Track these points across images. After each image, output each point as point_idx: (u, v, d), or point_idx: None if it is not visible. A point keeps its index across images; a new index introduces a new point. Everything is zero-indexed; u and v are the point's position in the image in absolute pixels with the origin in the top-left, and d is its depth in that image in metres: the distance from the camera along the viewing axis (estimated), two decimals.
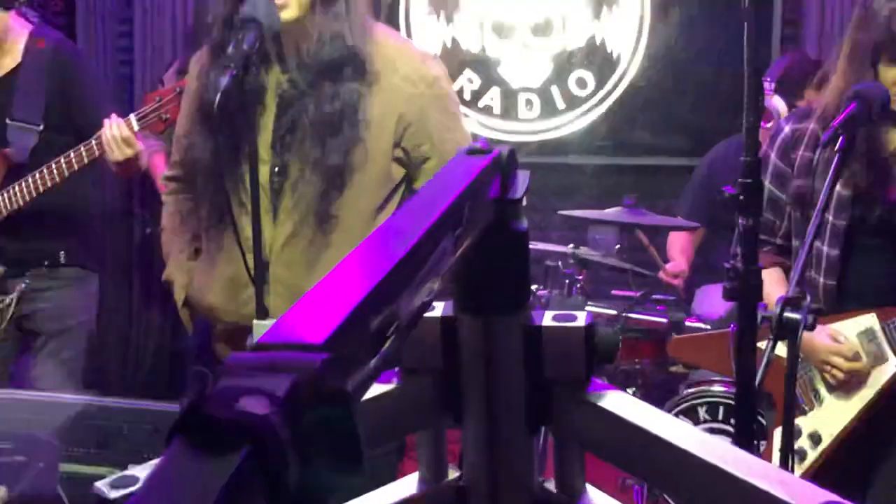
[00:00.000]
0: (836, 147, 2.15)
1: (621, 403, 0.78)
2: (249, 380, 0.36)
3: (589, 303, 3.54)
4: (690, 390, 3.68)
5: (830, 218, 2.51)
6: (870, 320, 2.50)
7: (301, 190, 2.30)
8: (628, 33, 4.96)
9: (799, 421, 2.54)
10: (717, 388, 3.65)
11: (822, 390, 2.53)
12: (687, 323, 3.53)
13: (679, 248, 4.39)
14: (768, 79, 4.35)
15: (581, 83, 5.02)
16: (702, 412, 3.63)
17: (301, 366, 0.37)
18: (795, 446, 2.43)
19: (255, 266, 2.23)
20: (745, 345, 1.90)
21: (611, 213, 3.56)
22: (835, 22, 4.75)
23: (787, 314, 1.95)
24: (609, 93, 5.00)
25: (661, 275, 4.23)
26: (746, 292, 1.91)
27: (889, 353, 2.46)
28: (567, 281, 3.50)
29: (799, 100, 4.24)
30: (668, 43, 4.94)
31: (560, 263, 3.62)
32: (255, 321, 2.22)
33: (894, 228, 2.48)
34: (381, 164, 2.35)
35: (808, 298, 2.02)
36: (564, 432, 0.80)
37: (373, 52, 2.31)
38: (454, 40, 5.07)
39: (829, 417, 2.51)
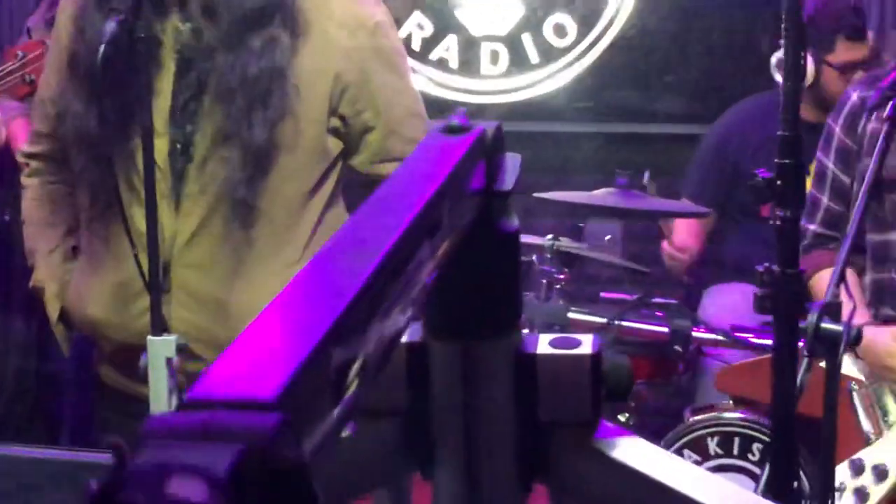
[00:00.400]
0: (886, 114, 2.17)
1: (638, 452, 0.77)
2: (180, 452, 0.34)
3: (572, 308, 3.53)
4: (698, 417, 3.70)
5: None
6: None
7: (210, 171, 2.28)
8: None
9: (863, 452, 2.56)
10: (729, 415, 3.67)
11: (893, 409, 2.55)
12: (695, 333, 3.54)
13: (687, 232, 4.41)
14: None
15: (559, 31, 5.02)
16: (712, 445, 3.64)
17: (248, 432, 0.35)
18: (857, 483, 2.45)
19: (151, 268, 2.20)
20: (784, 370, 1.91)
21: (599, 195, 3.56)
22: None
23: (826, 325, 1.96)
24: (594, 43, 5.01)
25: (665, 246, 4.24)
26: (785, 303, 1.90)
27: None
28: (544, 281, 3.50)
29: (829, 53, 4.28)
30: None
31: (535, 259, 3.62)
32: (150, 338, 2.19)
33: None
34: (313, 138, 2.34)
35: (853, 303, 2.03)
36: (565, 489, 0.79)
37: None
38: None
39: None
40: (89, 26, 2.24)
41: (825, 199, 2.72)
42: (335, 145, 2.40)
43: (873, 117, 2.60)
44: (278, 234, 2.36)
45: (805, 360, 1.98)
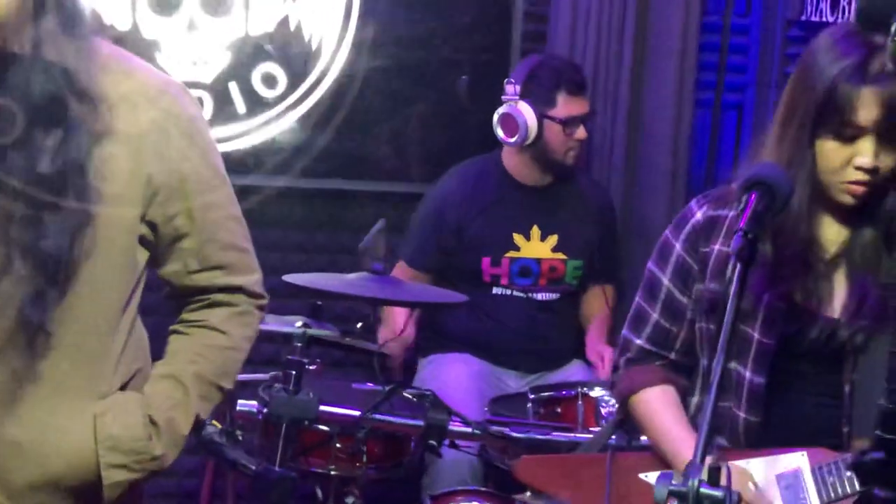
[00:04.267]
0: (732, 250, 2.16)
1: None
2: None
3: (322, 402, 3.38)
4: None
5: (756, 335, 2.53)
6: (797, 460, 2.54)
7: (5, 291, 2.02)
8: (332, 16, 4.83)
9: None
10: None
11: None
12: (451, 427, 3.46)
13: (404, 315, 4.37)
14: (512, 81, 4.41)
15: (269, 80, 4.84)
16: None
17: None
18: None
19: None
20: None
21: (356, 282, 3.42)
22: (590, 18, 4.87)
23: (706, 491, 1.92)
24: (306, 94, 4.86)
25: (383, 334, 4.19)
26: None
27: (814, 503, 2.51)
28: (294, 372, 3.31)
29: (551, 107, 4.33)
30: (385, 29, 4.86)
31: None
32: None
33: (833, 353, 2.54)
34: (121, 248, 2.14)
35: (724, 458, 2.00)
36: None
37: (110, 83, 2.07)
38: (93, 12, 4.72)
39: None
40: None
41: (655, 315, 2.69)
42: (142, 255, 2.20)
43: (720, 238, 2.59)
44: (81, 365, 2.11)
45: None
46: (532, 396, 3.88)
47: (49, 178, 2.00)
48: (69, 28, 2.03)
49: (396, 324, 4.40)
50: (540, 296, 4.54)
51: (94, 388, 2.15)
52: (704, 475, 1.94)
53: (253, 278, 2.36)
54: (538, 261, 4.51)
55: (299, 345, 3.36)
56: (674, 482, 1.95)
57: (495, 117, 4.44)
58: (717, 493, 1.93)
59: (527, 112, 4.37)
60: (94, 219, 2.05)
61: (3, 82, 1.99)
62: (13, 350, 2.05)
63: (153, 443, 2.19)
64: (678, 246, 2.65)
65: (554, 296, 4.56)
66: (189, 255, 2.23)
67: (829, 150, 2.43)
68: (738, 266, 2.13)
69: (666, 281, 2.68)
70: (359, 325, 3.45)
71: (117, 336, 2.18)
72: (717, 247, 2.60)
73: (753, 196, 2.22)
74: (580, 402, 3.70)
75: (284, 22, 4.82)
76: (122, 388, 2.21)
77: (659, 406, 2.68)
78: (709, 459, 2.01)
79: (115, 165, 2.08)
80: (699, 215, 2.64)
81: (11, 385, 2.06)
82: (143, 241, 2.18)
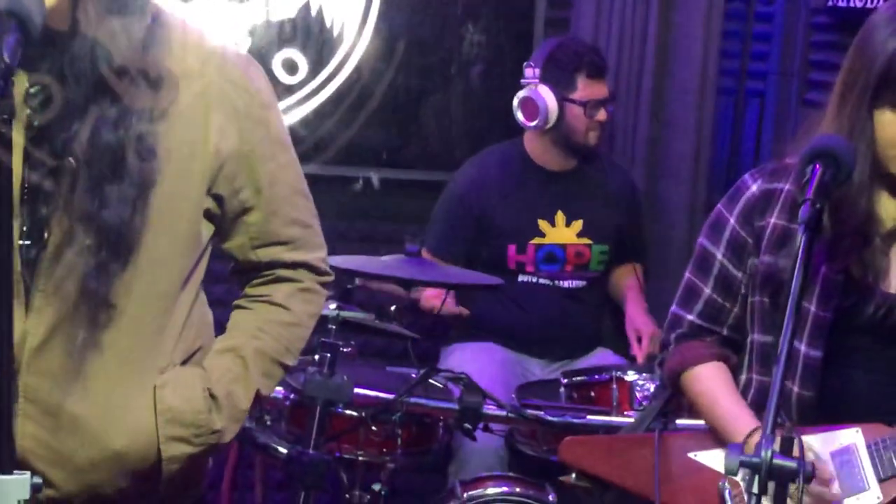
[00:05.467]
0: (801, 219, 2.14)
1: None
2: None
3: (356, 385, 3.37)
4: (472, 493, 3.63)
5: (812, 308, 2.52)
6: (852, 436, 2.53)
7: (67, 263, 2.01)
8: (354, 1, 4.82)
9: None
10: (492, 489, 3.63)
11: None
12: (486, 410, 3.45)
13: (436, 293, 4.34)
14: (531, 65, 4.40)
15: (290, 67, 4.83)
16: None
17: None
18: None
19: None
20: None
21: (391, 263, 3.41)
22: (613, 5, 4.87)
23: (779, 461, 1.91)
24: (327, 81, 4.85)
25: (423, 301, 4.18)
26: None
27: (870, 480, 2.50)
28: (328, 355, 3.30)
29: (571, 90, 4.32)
30: (409, 16, 4.86)
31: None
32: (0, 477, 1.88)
33: (889, 328, 2.53)
34: (187, 221, 2.12)
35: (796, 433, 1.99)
36: None
37: (171, 55, 2.07)
38: None
39: None
40: None
41: (707, 290, 2.68)
42: (207, 229, 2.18)
43: (775, 212, 2.58)
44: (143, 338, 2.10)
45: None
46: (565, 381, 3.87)
47: (107, 149, 1.99)
48: (114, 6, 2.00)
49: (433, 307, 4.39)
50: (566, 283, 4.52)
51: (154, 363, 2.13)
52: (776, 446, 1.93)
53: (318, 255, 2.34)
54: (563, 246, 4.49)
55: (332, 327, 3.35)
56: (745, 454, 1.94)
57: (515, 101, 4.43)
58: (791, 463, 1.92)
59: (547, 95, 4.36)
60: (157, 190, 2.04)
61: (47, 59, 1.98)
62: (76, 322, 2.03)
63: (213, 416, 2.17)
64: (732, 220, 2.64)
65: (580, 283, 4.55)
66: (254, 229, 2.22)
67: (888, 123, 2.42)
68: (805, 235, 2.12)
69: (720, 255, 2.66)
70: (392, 307, 3.43)
71: (179, 310, 2.16)
72: (772, 220, 2.59)
73: (818, 166, 2.21)
74: (614, 386, 3.68)
75: (306, 7, 4.81)
76: (184, 363, 2.20)
77: (713, 383, 2.66)
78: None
79: (180, 138, 2.07)
80: (754, 188, 2.63)
81: (73, 359, 2.05)
82: (208, 214, 2.16)
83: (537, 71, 4.41)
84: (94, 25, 1.97)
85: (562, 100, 4.36)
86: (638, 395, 3.64)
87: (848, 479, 2.52)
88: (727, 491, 2.62)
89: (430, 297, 4.30)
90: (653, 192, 5.04)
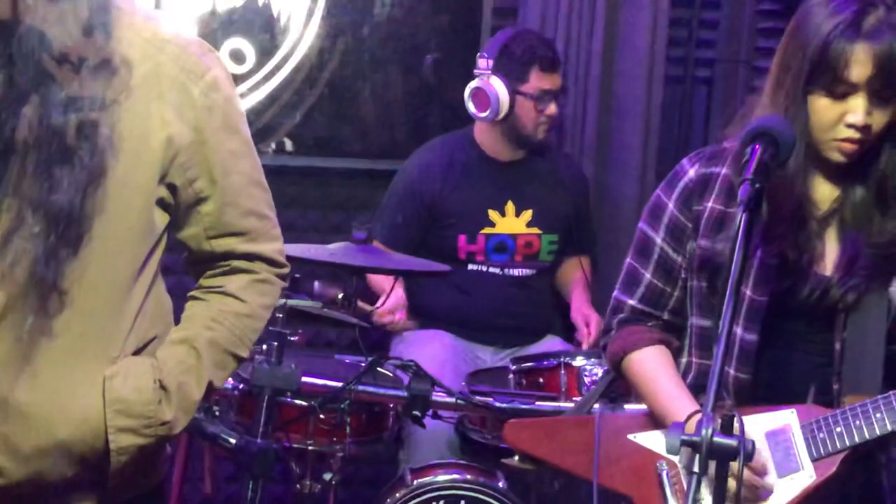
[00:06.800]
0: (739, 199, 2.17)
1: None
2: None
3: (304, 374, 3.38)
4: (422, 480, 3.65)
5: (748, 293, 2.56)
6: (787, 417, 2.57)
7: (18, 247, 2.00)
8: None
9: None
10: (442, 476, 3.65)
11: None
12: (435, 398, 3.48)
13: (385, 279, 4.35)
14: (485, 55, 4.43)
15: (237, 56, 4.82)
16: None
17: None
18: None
19: None
20: None
21: (338, 251, 3.43)
22: None
23: (720, 439, 1.94)
24: (275, 70, 4.85)
25: (376, 318, 4.18)
26: None
27: (804, 460, 2.53)
28: (276, 344, 3.32)
29: (523, 83, 4.35)
30: (355, 4, 4.86)
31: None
32: None
33: (824, 311, 2.57)
34: (138, 209, 2.11)
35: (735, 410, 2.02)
36: None
37: (123, 42, 2.06)
38: None
39: None
40: None
41: (648, 275, 2.71)
42: (162, 218, 2.17)
43: (713, 196, 2.61)
44: (94, 326, 2.10)
45: (694, 479, 1.95)
46: (513, 368, 3.91)
47: (57, 132, 1.98)
48: None
49: (376, 282, 4.41)
50: (515, 272, 4.56)
51: (105, 352, 2.12)
52: (717, 426, 1.97)
53: (274, 246, 2.33)
54: (514, 236, 4.53)
55: (280, 315, 3.37)
56: (686, 433, 1.97)
57: (467, 91, 4.45)
58: (732, 441, 1.96)
59: (499, 87, 4.39)
60: (107, 176, 2.03)
61: (10, 35, 1.97)
62: (25, 309, 2.02)
63: (163, 407, 2.16)
64: (671, 205, 2.67)
65: (529, 272, 4.59)
66: (208, 219, 2.21)
67: (822, 107, 2.46)
68: (744, 216, 2.15)
69: (659, 240, 2.69)
70: (339, 296, 3.44)
71: (132, 299, 2.15)
72: (709, 204, 2.62)
73: (758, 146, 2.25)
74: (562, 372, 3.72)
75: None
76: (136, 353, 2.19)
77: (653, 366, 2.70)
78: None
79: (133, 125, 2.06)
80: (692, 173, 2.66)
81: (22, 346, 2.03)
82: (162, 203, 2.15)
83: (490, 62, 4.43)
84: (34, 12, 1.97)
85: (513, 92, 4.39)
86: (586, 380, 3.68)
87: (783, 460, 2.56)
88: (665, 472, 2.67)
89: (380, 283, 4.34)
90: (602, 182, 5.07)
